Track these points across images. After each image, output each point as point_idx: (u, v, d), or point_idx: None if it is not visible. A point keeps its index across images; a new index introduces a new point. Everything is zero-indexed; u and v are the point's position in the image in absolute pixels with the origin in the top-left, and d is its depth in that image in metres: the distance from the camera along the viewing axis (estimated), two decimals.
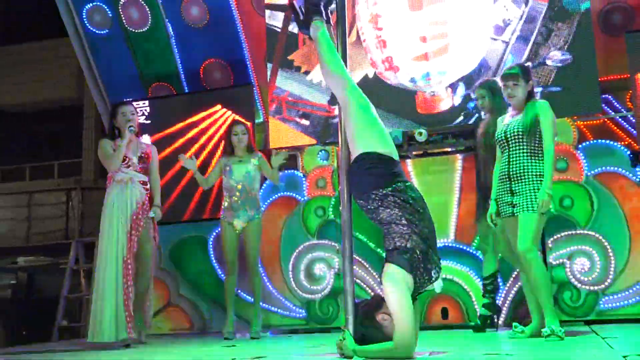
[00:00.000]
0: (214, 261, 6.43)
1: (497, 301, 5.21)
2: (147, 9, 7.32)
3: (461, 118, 6.00)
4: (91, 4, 7.44)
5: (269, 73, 6.73)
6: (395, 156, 3.38)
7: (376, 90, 6.01)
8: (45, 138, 15.51)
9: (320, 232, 6.13)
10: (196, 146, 6.64)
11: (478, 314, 5.16)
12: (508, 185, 4.20)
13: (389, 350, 3.00)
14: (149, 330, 5.42)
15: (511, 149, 4.20)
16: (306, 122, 6.53)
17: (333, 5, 3.72)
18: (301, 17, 3.66)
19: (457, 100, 6.06)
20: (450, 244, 5.72)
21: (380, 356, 3.03)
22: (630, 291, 5.25)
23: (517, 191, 4.13)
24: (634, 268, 5.26)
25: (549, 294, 4.04)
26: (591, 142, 5.67)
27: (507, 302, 5.48)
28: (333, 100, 6.14)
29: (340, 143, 3.59)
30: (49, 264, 13.77)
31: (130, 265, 4.91)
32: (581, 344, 3.69)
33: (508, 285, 5.50)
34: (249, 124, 5.96)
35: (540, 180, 4.06)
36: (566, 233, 5.43)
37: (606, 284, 5.30)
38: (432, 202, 5.55)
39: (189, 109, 6.86)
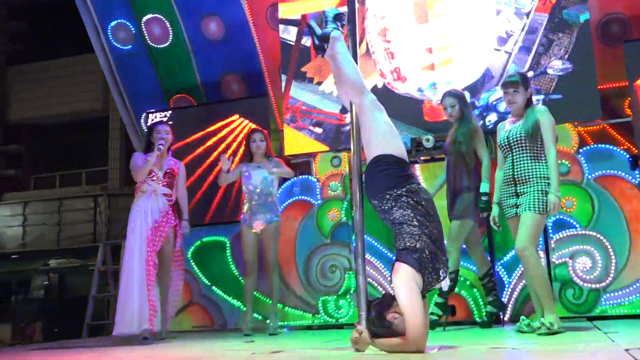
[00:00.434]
0: (234, 262, 6.44)
1: (502, 298, 5.17)
2: (168, 26, 7.37)
3: None
4: (116, 22, 7.51)
5: (283, 84, 6.75)
6: (407, 159, 3.40)
7: (385, 99, 5.92)
8: (73, 148, 15.62)
9: (333, 233, 6.12)
10: (215, 154, 6.66)
11: (485, 311, 5.14)
12: (513, 189, 4.17)
13: (402, 345, 3.00)
14: (168, 327, 5.47)
15: (514, 154, 4.17)
16: (319, 130, 6.54)
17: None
18: (317, 42, 3.69)
19: None
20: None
21: (394, 350, 3.02)
22: (631, 288, 5.20)
23: (521, 193, 4.11)
24: (634, 267, 5.21)
25: (547, 289, 4.02)
26: (591, 146, 5.62)
27: (513, 298, 5.44)
28: (344, 109, 6.14)
29: (352, 149, 3.59)
30: (79, 265, 13.86)
31: (152, 267, 5.04)
32: (584, 338, 3.66)
33: (514, 282, 5.46)
34: (266, 132, 5.97)
35: (545, 182, 4.04)
36: (568, 233, 5.39)
37: (607, 281, 5.25)
38: (438, 205, 5.57)
39: (208, 118, 6.89)
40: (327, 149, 6.44)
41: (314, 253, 6.13)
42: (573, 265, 5.32)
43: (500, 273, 5.53)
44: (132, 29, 7.48)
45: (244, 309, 5.57)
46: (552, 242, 5.40)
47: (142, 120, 7.31)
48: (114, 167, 14.23)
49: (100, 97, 14.23)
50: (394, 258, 3.22)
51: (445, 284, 3.24)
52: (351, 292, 5.90)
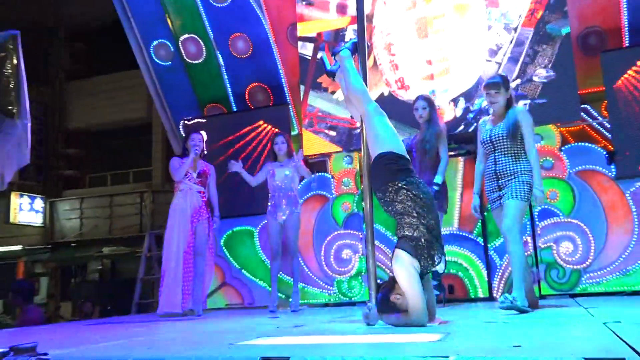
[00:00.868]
0: (261, 248, 6.46)
1: (493, 279, 5.12)
2: (202, 44, 7.39)
3: (462, 127, 5.94)
4: (157, 41, 7.54)
5: (302, 93, 6.74)
6: (407, 156, 3.38)
7: (390, 105, 5.96)
8: (122, 151, 15.74)
9: (346, 222, 6.12)
10: (243, 154, 6.67)
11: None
12: (495, 183, 3.99)
13: (406, 319, 3.00)
14: (206, 305, 5.53)
15: (497, 152, 3.98)
16: (333, 133, 6.53)
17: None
18: (326, 69, 3.89)
19: (459, 112, 6.00)
20: (454, 232, 5.66)
21: (400, 324, 3.02)
22: (608, 269, 5.16)
23: (504, 185, 3.93)
24: (610, 250, 5.17)
25: (522, 268, 3.77)
26: (572, 144, 5.57)
27: (504, 279, 5.41)
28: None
29: (362, 150, 3.59)
30: (128, 252, 13.96)
31: (189, 255, 5.21)
32: (567, 313, 3.62)
33: (504, 264, 5.42)
34: (287, 135, 5.97)
35: (525, 174, 3.87)
36: (552, 221, 5.35)
37: (587, 263, 5.21)
38: None
39: (237, 124, 6.91)
40: (340, 149, 6.43)
41: (329, 240, 6.14)
42: (557, 248, 5.29)
43: (492, 256, 5.50)
44: (171, 47, 7.51)
45: (270, 289, 5.58)
46: (538, 228, 5.37)
47: (180, 127, 7.35)
48: (156, 167, 14.33)
49: (145, 107, 14.32)
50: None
51: (441, 268, 3.22)
52: (362, 273, 5.90)
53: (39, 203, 14.85)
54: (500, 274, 5.42)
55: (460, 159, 5.80)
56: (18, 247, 14.94)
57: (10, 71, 2.76)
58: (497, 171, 3.96)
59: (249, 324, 4.04)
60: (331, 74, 3.87)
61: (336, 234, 6.13)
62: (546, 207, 5.37)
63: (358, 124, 3.77)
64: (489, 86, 4.07)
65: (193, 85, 7.53)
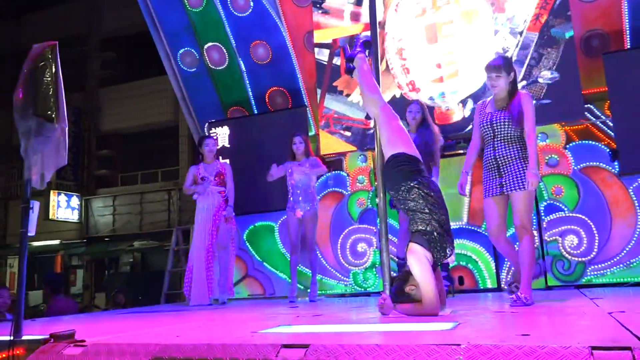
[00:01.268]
0: (281, 242, 6.47)
1: (502, 269, 5.06)
2: (225, 51, 7.42)
3: (470, 127, 5.88)
4: (183, 49, 7.59)
5: (318, 96, 6.74)
6: (419, 157, 3.35)
7: (402, 107, 5.89)
8: (151, 152, 15.85)
9: (361, 218, 6.11)
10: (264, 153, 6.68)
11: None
12: (496, 171, 3.61)
13: (419, 309, 2.98)
14: (230, 295, 5.58)
15: (497, 138, 3.60)
16: (348, 134, 6.51)
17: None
18: (346, 67, 3.77)
19: (467, 113, 5.95)
20: (464, 226, 5.62)
21: (413, 314, 3.00)
22: (612, 261, 5.08)
23: (505, 173, 3.57)
24: (614, 243, 5.10)
25: (533, 264, 3.54)
26: (577, 142, 5.50)
27: (512, 269, 5.35)
28: (368, 116, 6.09)
29: (375, 149, 3.57)
30: (157, 246, 14.08)
31: (212, 249, 5.33)
32: (573, 303, 3.57)
33: None
34: (304, 135, 5.96)
35: (526, 160, 3.52)
36: (558, 215, 5.28)
37: (592, 255, 5.14)
38: (449, 194, 5.50)
39: (258, 125, 6.93)
40: (355, 149, 6.42)
41: (345, 234, 6.13)
42: (562, 242, 5.22)
43: None
44: (196, 54, 7.56)
45: (290, 280, 5.59)
46: (544, 222, 5.30)
47: (205, 128, 7.39)
48: (183, 167, 14.40)
49: (172, 111, 14.41)
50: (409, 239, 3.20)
51: (451, 260, 3.21)
52: (377, 266, 5.88)
53: (75, 201, 15.04)
54: (508, 265, 5.36)
55: None
56: (56, 242, 15.16)
57: (49, 79, 2.79)
58: (497, 157, 3.60)
59: (271, 313, 4.05)
60: (350, 72, 3.72)
61: (352, 228, 6.12)
62: (552, 202, 5.31)
63: (372, 124, 3.76)
64: (490, 69, 3.67)
65: (217, 89, 7.56)
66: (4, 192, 16.24)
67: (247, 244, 6.63)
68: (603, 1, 5.88)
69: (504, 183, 3.58)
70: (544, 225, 5.30)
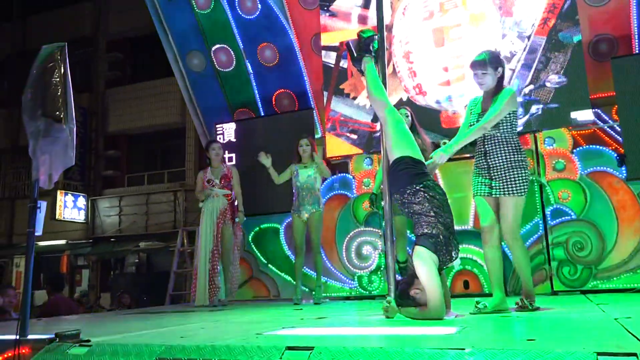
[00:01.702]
0: (286, 244, 6.48)
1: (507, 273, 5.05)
2: (232, 53, 7.44)
3: None
4: (190, 51, 7.62)
5: (325, 99, 6.74)
6: (423, 160, 3.35)
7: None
8: (158, 153, 15.90)
9: (366, 221, 6.10)
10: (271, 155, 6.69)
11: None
12: (486, 170, 3.45)
13: (424, 313, 2.98)
14: (233, 297, 5.65)
15: (486, 138, 3.45)
16: (354, 136, 6.51)
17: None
18: (355, 55, 3.69)
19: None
20: (469, 229, 5.61)
21: (418, 317, 3.00)
22: (618, 267, 5.05)
23: (494, 176, 3.40)
24: (621, 248, 5.07)
25: (529, 269, 3.44)
26: (584, 147, 5.48)
27: (516, 274, 5.33)
28: (375, 119, 6.10)
29: (381, 152, 3.57)
30: (162, 247, 14.08)
31: (216, 252, 5.40)
32: (578, 309, 3.56)
33: None
34: (311, 138, 5.97)
35: (517, 164, 3.36)
36: (565, 220, 5.26)
37: (598, 261, 5.11)
38: (455, 197, 5.53)
39: (265, 127, 6.94)
40: (361, 151, 6.42)
41: (350, 237, 6.13)
42: (569, 247, 5.20)
43: (505, 253, 5.41)
44: (204, 56, 7.58)
45: (294, 282, 5.59)
46: (550, 227, 5.28)
47: (212, 130, 7.41)
48: (189, 168, 14.44)
49: (179, 112, 14.44)
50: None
51: (456, 263, 3.21)
52: (381, 269, 5.87)
53: (81, 201, 15.09)
54: (513, 270, 5.33)
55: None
56: (62, 242, 15.22)
57: (58, 79, 2.81)
58: (488, 158, 3.43)
59: (275, 315, 4.05)
60: (358, 61, 3.64)
61: (357, 231, 6.12)
62: (558, 206, 5.29)
63: (378, 127, 3.76)
64: (474, 66, 3.49)
65: (224, 91, 7.59)
66: (12, 192, 16.33)
67: (252, 245, 6.64)
68: (612, 6, 5.86)
69: (493, 186, 3.43)
70: (550, 230, 5.27)
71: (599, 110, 5.79)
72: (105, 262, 15.58)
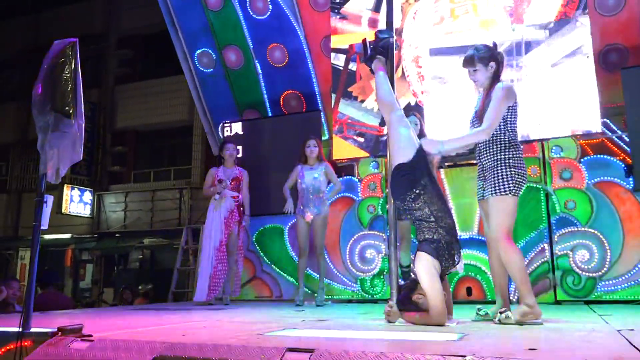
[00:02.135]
0: (289, 245, 6.48)
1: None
2: (242, 53, 7.47)
3: None
4: (200, 50, 7.65)
5: (333, 101, 6.75)
6: (425, 164, 3.28)
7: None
8: (164, 150, 15.92)
9: (371, 224, 6.10)
10: (277, 155, 6.71)
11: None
12: (481, 171, 3.32)
13: (426, 319, 2.97)
14: (235, 296, 5.68)
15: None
16: (361, 139, 6.51)
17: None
18: (369, 53, 3.67)
19: None
20: (474, 236, 5.58)
21: (419, 323, 2.99)
22: (623, 278, 5.02)
23: (485, 171, 3.27)
24: (626, 259, 5.04)
25: (524, 274, 3.13)
26: (592, 157, 5.45)
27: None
28: (383, 122, 6.10)
29: (388, 156, 3.57)
30: (166, 244, 14.11)
31: (221, 252, 5.41)
32: (582, 319, 3.54)
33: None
34: (318, 140, 5.97)
35: (505, 161, 3.14)
36: (570, 229, 5.23)
37: (603, 271, 5.08)
38: (460, 203, 5.52)
39: (272, 128, 6.95)
40: (367, 155, 6.42)
41: (354, 240, 6.12)
42: (573, 256, 5.17)
43: None
44: (214, 55, 7.61)
45: (297, 283, 5.60)
46: (555, 236, 5.26)
47: (219, 129, 7.43)
48: (196, 166, 14.47)
49: (187, 110, 14.47)
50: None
51: (460, 267, 3.18)
52: (385, 273, 5.86)
53: (87, 196, 15.16)
54: None
55: None
56: (67, 236, 15.28)
57: (68, 75, 2.83)
58: (481, 158, 3.29)
59: (277, 316, 4.05)
60: (370, 59, 3.63)
61: (361, 234, 6.11)
62: (564, 215, 5.27)
63: (385, 131, 3.75)
64: (464, 64, 3.34)
65: (232, 91, 7.61)
66: (19, 184, 16.43)
67: (256, 245, 6.65)
68: (623, 16, 5.84)
69: (484, 187, 3.29)
70: (556, 239, 5.25)
71: (607, 120, 5.76)
72: (110, 258, 15.62)
